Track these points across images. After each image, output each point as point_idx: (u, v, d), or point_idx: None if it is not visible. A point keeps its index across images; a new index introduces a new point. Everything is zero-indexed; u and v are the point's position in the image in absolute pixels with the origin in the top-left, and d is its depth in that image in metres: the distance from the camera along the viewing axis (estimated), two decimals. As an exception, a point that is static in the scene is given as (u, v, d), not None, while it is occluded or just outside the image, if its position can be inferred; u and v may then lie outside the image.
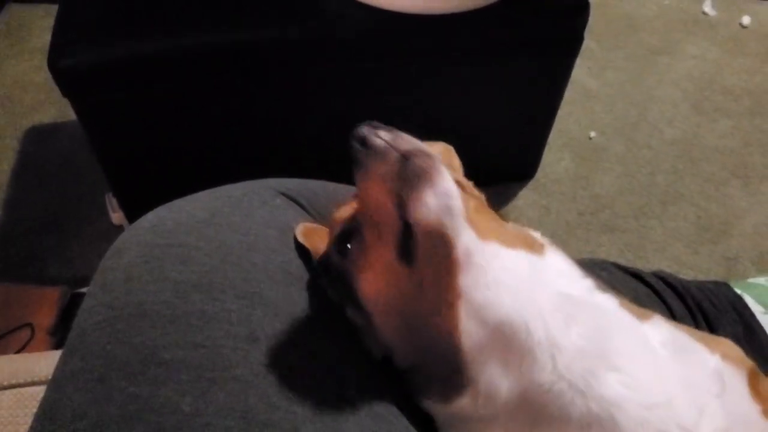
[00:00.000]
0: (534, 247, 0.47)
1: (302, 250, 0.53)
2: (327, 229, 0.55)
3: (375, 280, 0.44)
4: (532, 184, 1.55)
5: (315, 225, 0.55)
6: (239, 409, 0.42)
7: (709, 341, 0.50)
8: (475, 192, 0.52)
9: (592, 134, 1.67)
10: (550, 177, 1.56)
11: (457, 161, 0.57)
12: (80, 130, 1.24)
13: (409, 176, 0.41)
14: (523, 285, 0.43)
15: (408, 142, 0.42)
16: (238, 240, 0.51)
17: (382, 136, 0.42)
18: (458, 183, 0.43)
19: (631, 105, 1.74)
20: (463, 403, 0.44)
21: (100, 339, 0.45)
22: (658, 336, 0.47)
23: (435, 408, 0.47)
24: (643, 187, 1.55)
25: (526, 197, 1.52)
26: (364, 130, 0.42)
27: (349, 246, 0.46)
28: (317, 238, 0.53)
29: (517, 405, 0.43)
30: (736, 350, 0.50)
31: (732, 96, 1.76)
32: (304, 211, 0.58)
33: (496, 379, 0.43)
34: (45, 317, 1.14)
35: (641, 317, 0.49)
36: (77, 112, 1.19)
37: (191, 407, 0.42)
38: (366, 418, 0.45)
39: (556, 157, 1.61)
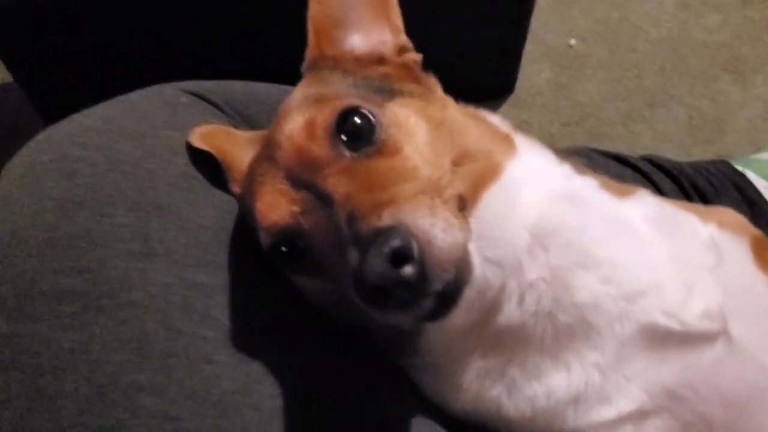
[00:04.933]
0: (508, 154, 0.40)
1: (200, 155, 0.44)
2: (237, 131, 0.47)
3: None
4: (511, 99, 1.46)
5: (219, 126, 0.47)
6: (135, 340, 0.34)
7: (704, 211, 0.42)
8: None
9: (572, 42, 1.56)
10: (530, 90, 1.47)
11: None
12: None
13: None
14: (495, 230, 0.37)
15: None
16: (131, 146, 0.42)
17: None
18: None
19: (612, 7, 1.62)
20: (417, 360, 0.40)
21: None
22: (641, 212, 0.40)
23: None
24: (630, 92, 1.46)
25: (506, 113, 1.44)
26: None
27: (298, 255, 0.37)
28: (223, 140, 0.44)
29: (474, 343, 0.38)
30: (737, 217, 0.42)
31: (720, -14, 1.63)
32: (218, 110, 0.49)
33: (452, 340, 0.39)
34: None
35: (622, 194, 0.42)
36: (6, 63, 1.09)
37: (75, 343, 0.34)
38: (286, 340, 0.37)
39: (535, 69, 1.50)
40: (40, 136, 0.46)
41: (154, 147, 0.42)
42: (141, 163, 0.41)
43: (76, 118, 0.47)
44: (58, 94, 1.16)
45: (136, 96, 0.47)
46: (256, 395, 0.34)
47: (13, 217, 0.39)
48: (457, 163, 0.36)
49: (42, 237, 0.38)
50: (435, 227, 0.29)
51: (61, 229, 0.38)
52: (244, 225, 0.41)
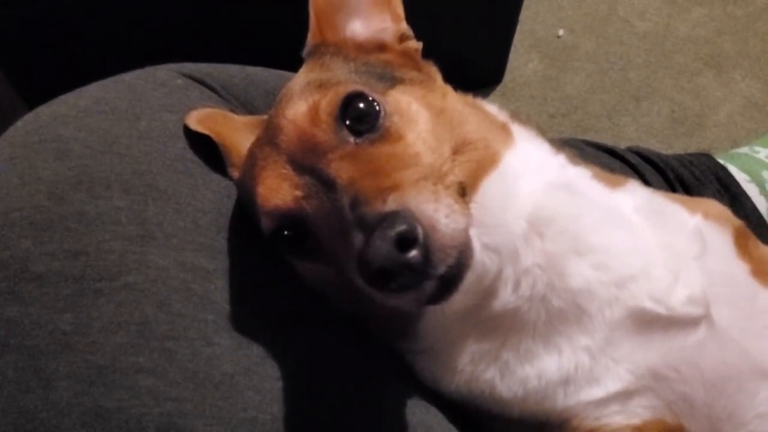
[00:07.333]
0: (506, 144, 0.41)
1: (198, 138, 0.44)
2: (234, 115, 0.46)
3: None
4: (499, 89, 1.46)
5: (217, 110, 0.46)
6: (134, 322, 0.34)
7: (690, 202, 0.44)
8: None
9: (561, 33, 1.57)
10: (518, 81, 1.48)
11: None
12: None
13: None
14: (493, 218, 0.38)
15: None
16: (127, 127, 0.42)
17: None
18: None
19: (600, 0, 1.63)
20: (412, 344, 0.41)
21: None
22: (631, 202, 0.42)
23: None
24: (616, 85, 1.47)
25: (493, 103, 1.44)
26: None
27: (300, 240, 0.38)
28: (221, 124, 0.44)
29: (470, 327, 0.39)
30: (721, 208, 0.44)
31: (704, -18, 1.65)
32: (215, 94, 0.48)
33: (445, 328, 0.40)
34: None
35: (614, 185, 0.43)
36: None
37: (72, 325, 0.34)
38: (287, 324, 0.38)
39: (524, 59, 1.51)
40: (30, 116, 0.45)
41: (149, 129, 0.42)
42: (137, 145, 0.41)
43: (68, 98, 0.45)
44: (40, 75, 1.12)
45: (130, 77, 0.46)
46: (256, 377, 0.34)
47: (4, 198, 0.38)
48: (456, 151, 0.37)
49: (34, 219, 0.37)
50: (438, 212, 0.29)
51: (54, 212, 0.37)
52: (243, 210, 0.41)
